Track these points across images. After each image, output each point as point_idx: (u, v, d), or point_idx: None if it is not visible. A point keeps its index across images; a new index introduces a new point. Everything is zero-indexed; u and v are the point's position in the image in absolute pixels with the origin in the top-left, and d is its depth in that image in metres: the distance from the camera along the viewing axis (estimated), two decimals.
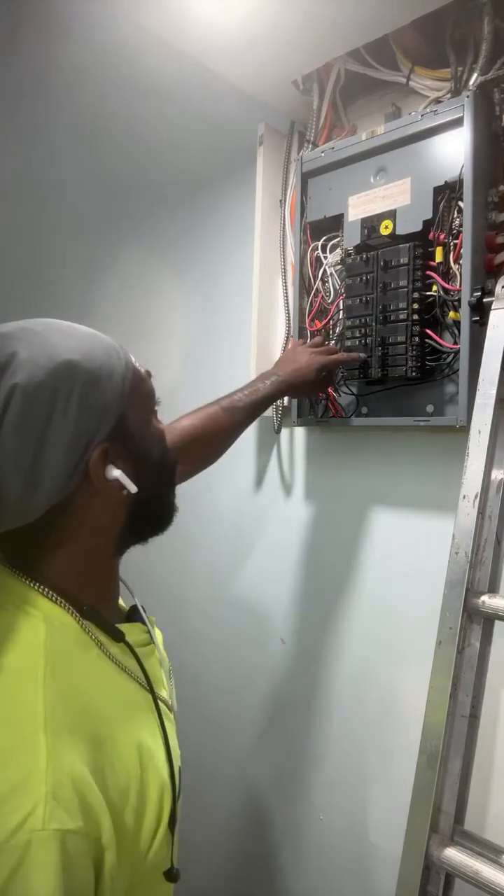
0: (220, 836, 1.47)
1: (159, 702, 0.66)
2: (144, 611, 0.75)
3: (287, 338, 1.28)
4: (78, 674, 0.60)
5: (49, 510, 0.59)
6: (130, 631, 0.68)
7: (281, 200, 1.30)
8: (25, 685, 0.56)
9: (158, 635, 0.77)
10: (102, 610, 0.65)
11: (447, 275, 1.02)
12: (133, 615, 0.74)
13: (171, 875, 0.64)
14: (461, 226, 0.98)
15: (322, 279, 1.21)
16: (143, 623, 0.73)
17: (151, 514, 0.70)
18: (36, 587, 0.61)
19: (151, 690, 0.66)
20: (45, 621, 0.60)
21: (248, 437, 1.16)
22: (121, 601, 0.77)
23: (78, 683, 0.59)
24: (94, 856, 0.53)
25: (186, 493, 0.86)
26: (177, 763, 0.66)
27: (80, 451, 0.58)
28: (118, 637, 0.65)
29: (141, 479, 0.64)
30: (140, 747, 0.61)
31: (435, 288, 1.03)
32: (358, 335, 1.11)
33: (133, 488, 0.62)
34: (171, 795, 0.63)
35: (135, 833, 0.58)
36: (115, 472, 0.61)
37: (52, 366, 0.56)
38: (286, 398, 1.27)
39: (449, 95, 1.03)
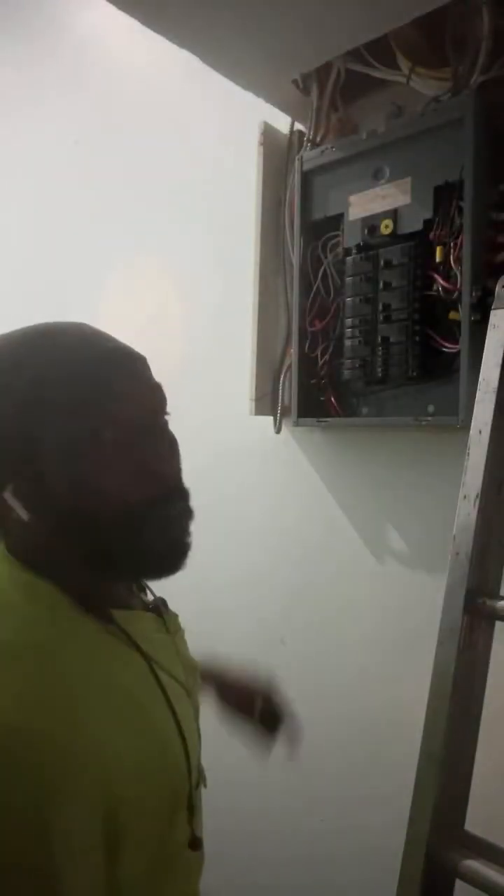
0: (217, 837, 1.47)
1: (167, 682, 0.66)
2: (166, 606, 0.75)
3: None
4: (73, 646, 0.59)
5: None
6: (138, 619, 0.68)
7: (281, 200, 1.30)
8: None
9: (181, 631, 0.77)
10: (100, 597, 0.64)
11: (447, 274, 1.02)
12: (151, 606, 0.74)
13: (192, 843, 0.66)
14: (462, 225, 0.98)
15: (322, 279, 1.20)
16: (160, 616, 0.73)
17: (104, 556, 0.62)
18: (35, 574, 0.60)
19: (153, 670, 0.64)
20: (43, 602, 0.59)
21: (249, 438, 1.16)
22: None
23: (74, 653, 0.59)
24: None
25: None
26: (193, 748, 0.67)
27: None
28: (108, 620, 0.63)
29: (56, 513, 0.59)
30: (128, 697, 0.60)
31: (435, 287, 1.03)
32: (358, 334, 1.11)
33: (24, 515, 0.58)
34: (188, 774, 0.64)
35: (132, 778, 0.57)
36: (6, 496, 0.58)
37: None
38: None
39: (449, 95, 1.03)
